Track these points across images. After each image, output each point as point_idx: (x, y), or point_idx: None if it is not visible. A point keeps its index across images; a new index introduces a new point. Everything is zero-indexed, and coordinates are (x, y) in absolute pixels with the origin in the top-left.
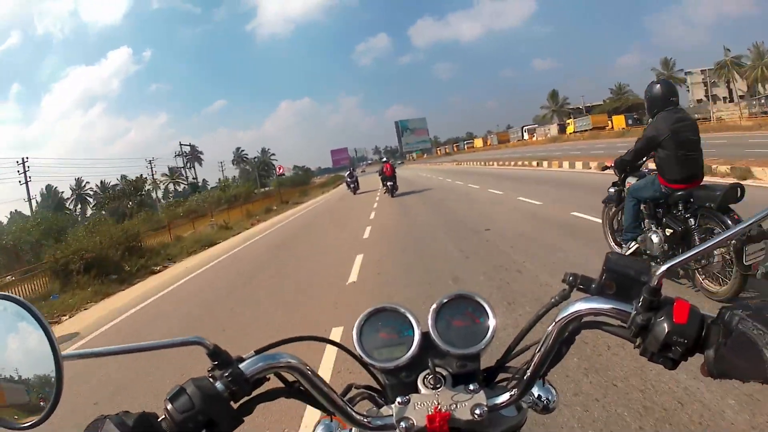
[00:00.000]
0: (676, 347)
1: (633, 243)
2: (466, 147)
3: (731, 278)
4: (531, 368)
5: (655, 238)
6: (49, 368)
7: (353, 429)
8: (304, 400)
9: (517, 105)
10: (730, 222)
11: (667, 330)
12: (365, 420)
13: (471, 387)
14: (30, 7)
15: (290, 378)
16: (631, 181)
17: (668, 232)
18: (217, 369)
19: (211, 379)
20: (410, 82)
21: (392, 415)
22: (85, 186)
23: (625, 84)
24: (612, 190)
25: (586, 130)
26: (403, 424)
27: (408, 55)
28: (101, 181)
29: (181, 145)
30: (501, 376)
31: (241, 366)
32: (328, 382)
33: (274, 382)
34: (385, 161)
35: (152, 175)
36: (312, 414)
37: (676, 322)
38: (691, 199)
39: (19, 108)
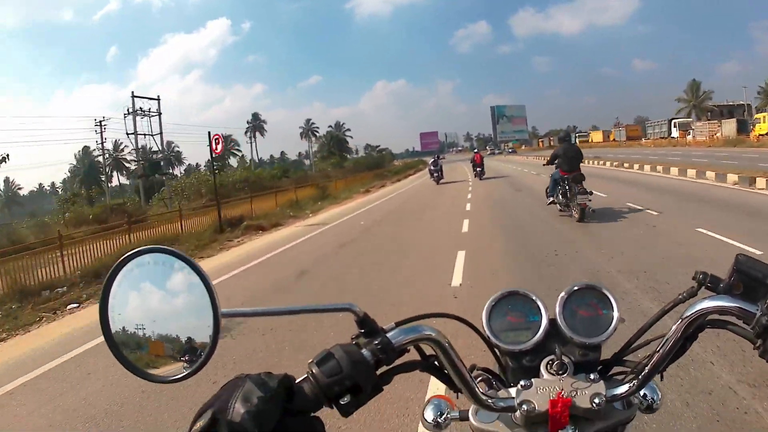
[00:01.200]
0: None
1: (551, 197)
2: (577, 141)
3: (579, 212)
4: (652, 363)
5: (560, 195)
6: (206, 323)
7: (471, 407)
8: (436, 374)
9: (615, 103)
10: (576, 186)
11: None
12: (489, 400)
13: (592, 376)
14: None
15: (428, 351)
16: (553, 170)
17: (562, 191)
18: (363, 337)
19: (357, 345)
20: (507, 72)
21: (513, 397)
22: (123, 150)
23: None
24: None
25: None
26: (524, 406)
27: (507, 45)
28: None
29: (133, 97)
30: (616, 369)
31: (388, 335)
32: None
33: (408, 356)
34: (476, 151)
35: (101, 142)
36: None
37: None
38: (569, 179)
39: (116, 70)
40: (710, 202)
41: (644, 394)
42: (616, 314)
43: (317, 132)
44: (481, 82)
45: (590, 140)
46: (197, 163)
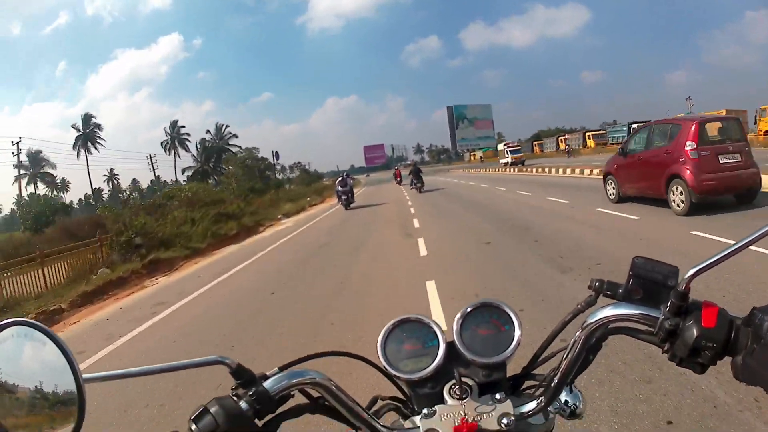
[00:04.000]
0: (704, 352)
1: (412, 186)
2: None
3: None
4: (558, 375)
5: (412, 184)
6: (71, 391)
7: None
8: (330, 415)
9: (564, 115)
10: (417, 180)
11: (696, 335)
12: None
13: (498, 396)
14: None
15: (315, 394)
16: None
17: (414, 182)
18: (241, 387)
19: (234, 398)
20: (458, 86)
21: (418, 426)
22: None
23: None
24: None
25: None
26: None
27: (458, 59)
28: None
29: None
30: (527, 383)
31: (265, 384)
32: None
33: (299, 398)
34: (396, 168)
35: None
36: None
37: (705, 326)
38: (414, 179)
39: (65, 87)
40: None
41: (566, 401)
42: (517, 330)
43: (188, 141)
44: (432, 97)
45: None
46: None
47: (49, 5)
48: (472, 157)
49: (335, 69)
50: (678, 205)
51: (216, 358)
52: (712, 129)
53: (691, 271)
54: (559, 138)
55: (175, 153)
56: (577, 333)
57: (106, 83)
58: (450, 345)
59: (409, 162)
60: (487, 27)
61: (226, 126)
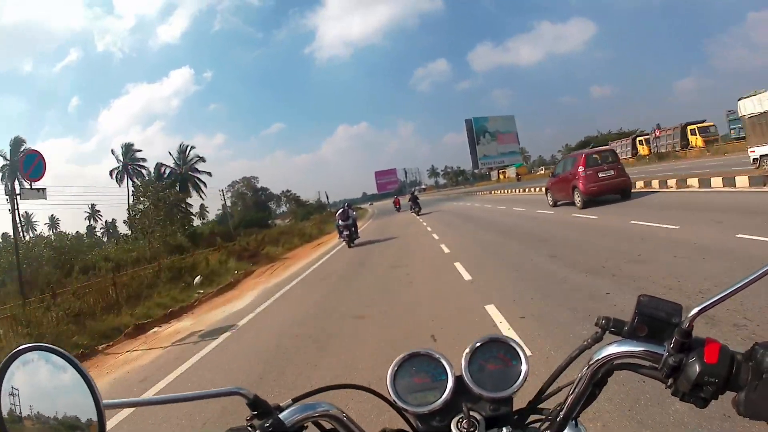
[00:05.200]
0: (707, 387)
1: (411, 210)
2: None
3: (416, 212)
4: (564, 410)
5: (411, 209)
6: (92, 417)
7: None
8: None
9: (573, 131)
10: (414, 205)
11: (698, 371)
12: None
13: (504, 430)
14: (90, 25)
15: (327, 425)
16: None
17: (412, 207)
18: (257, 419)
19: (249, 428)
20: (468, 108)
21: None
22: None
23: None
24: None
25: None
26: None
27: (467, 81)
28: None
29: None
30: (533, 417)
31: (281, 415)
32: (368, 425)
33: (311, 429)
34: (396, 197)
35: None
36: None
37: (707, 362)
38: (412, 204)
39: (78, 123)
40: None
41: None
42: (524, 365)
43: (144, 169)
44: (443, 120)
45: None
46: None
47: (59, 42)
48: (501, 176)
49: (345, 96)
50: (578, 203)
51: (233, 389)
52: (598, 156)
53: (695, 310)
54: (636, 138)
55: (128, 184)
56: (584, 369)
57: (118, 118)
58: (458, 379)
59: (423, 187)
60: (495, 47)
61: (191, 147)
